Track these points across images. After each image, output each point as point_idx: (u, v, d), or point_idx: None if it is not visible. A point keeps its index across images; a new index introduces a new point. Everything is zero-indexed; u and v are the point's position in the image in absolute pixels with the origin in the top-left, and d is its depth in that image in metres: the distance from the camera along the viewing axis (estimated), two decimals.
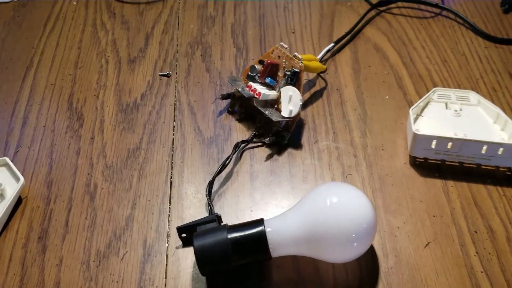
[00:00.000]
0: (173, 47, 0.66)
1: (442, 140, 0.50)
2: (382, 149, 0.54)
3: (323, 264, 0.45)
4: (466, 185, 0.51)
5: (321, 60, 0.62)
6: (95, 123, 0.57)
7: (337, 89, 0.60)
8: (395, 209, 0.49)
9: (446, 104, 0.55)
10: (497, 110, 0.53)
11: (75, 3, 0.73)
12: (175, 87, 0.61)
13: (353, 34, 0.67)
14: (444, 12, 0.70)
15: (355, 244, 0.41)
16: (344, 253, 0.42)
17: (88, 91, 0.61)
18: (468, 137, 0.50)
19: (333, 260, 0.44)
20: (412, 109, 0.53)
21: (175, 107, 0.59)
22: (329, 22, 0.69)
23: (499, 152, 0.50)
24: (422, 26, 0.68)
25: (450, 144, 0.50)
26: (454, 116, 0.54)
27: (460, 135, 0.50)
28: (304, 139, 0.55)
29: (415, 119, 0.53)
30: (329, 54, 0.64)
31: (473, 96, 0.55)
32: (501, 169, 0.52)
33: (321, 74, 0.62)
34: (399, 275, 0.45)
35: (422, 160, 0.53)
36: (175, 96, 0.60)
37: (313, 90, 0.60)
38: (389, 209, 0.49)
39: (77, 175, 0.53)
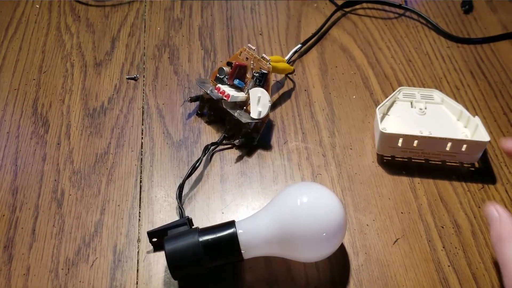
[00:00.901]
0: (140, 50, 0.65)
1: (408, 138, 0.51)
2: (351, 148, 0.55)
3: (295, 264, 0.46)
4: (432, 181, 0.52)
5: (288, 61, 0.63)
6: (61, 128, 0.56)
7: (305, 90, 0.61)
8: (364, 207, 0.50)
9: (411, 103, 0.56)
10: (460, 107, 0.54)
11: (37, 6, 0.71)
12: (143, 90, 0.60)
13: (320, 35, 0.68)
14: (408, 13, 0.71)
15: (325, 243, 0.42)
16: (315, 252, 0.43)
17: (53, 95, 0.60)
18: (433, 135, 0.51)
19: (304, 259, 0.44)
20: (379, 108, 0.54)
21: (143, 111, 0.58)
22: (296, 23, 0.70)
23: (463, 149, 0.51)
24: (387, 27, 0.69)
25: (416, 142, 0.51)
26: (419, 115, 0.55)
27: (426, 133, 0.52)
28: (274, 140, 0.56)
29: (382, 118, 0.54)
30: (296, 55, 0.65)
31: (437, 94, 0.57)
32: (465, 165, 0.53)
33: (289, 75, 0.62)
34: (369, 272, 0.46)
35: (390, 158, 0.54)
36: (143, 99, 0.59)
37: (281, 91, 0.61)
38: (358, 207, 0.50)
39: (43, 181, 0.52)
